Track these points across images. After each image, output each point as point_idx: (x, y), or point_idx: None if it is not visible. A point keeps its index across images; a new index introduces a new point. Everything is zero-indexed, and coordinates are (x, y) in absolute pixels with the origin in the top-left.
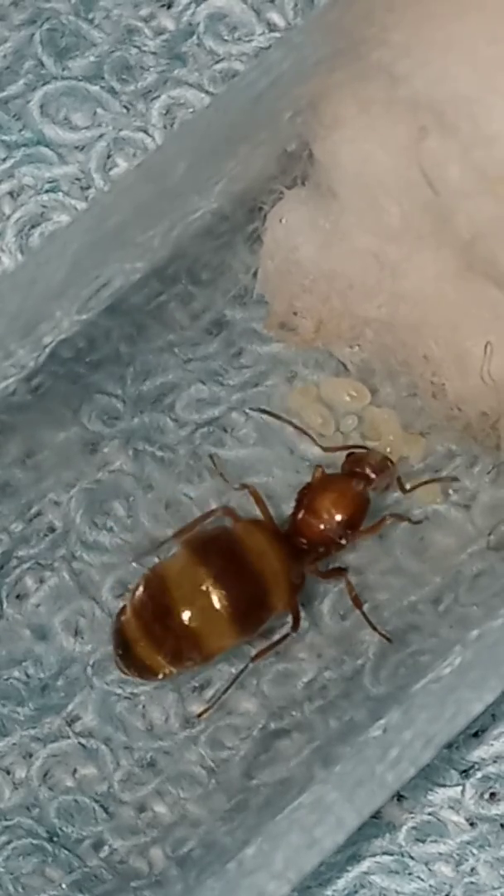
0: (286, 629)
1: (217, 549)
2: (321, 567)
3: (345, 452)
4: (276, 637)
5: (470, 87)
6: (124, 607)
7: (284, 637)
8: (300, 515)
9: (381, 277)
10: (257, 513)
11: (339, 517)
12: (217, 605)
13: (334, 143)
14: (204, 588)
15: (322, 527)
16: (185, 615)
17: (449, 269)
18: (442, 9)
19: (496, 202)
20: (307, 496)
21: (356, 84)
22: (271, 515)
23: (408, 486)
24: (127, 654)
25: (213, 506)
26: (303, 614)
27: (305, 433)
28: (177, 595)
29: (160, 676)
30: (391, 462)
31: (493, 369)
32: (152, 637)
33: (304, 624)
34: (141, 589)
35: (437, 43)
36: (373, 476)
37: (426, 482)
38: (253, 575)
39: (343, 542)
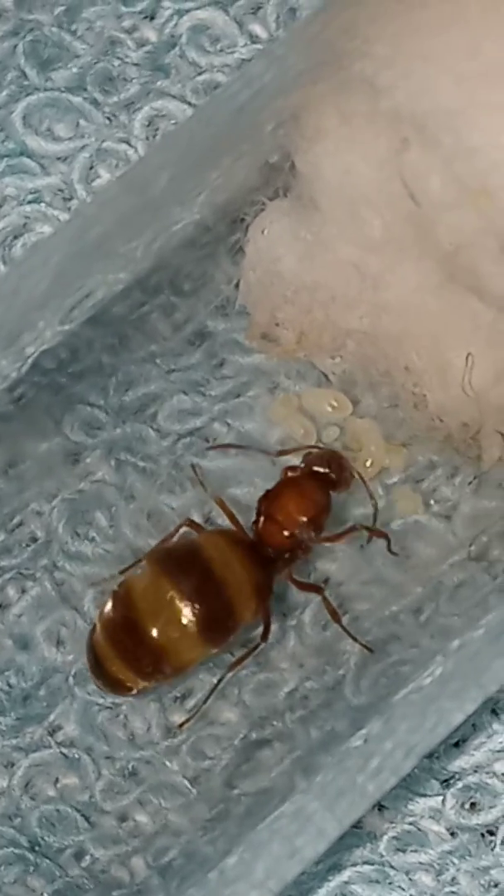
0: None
1: (181, 561)
2: (296, 574)
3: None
4: (249, 647)
5: (451, 99)
6: (95, 625)
7: (255, 647)
8: (261, 523)
9: (362, 288)
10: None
11: (298, 519)
12: (184, 618)
13: (316, 154)
14: (170, 602)
15: (284, 532)
16: (153, 630)
17: (430, 280)
18: (424, 21)
19: (477, 214)
20: (265, 503)
21: (338, 96)
22: (242, 526)
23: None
24: (99, 671)
25: (195, 516)
26: (284, 625)
27: (255, 449)
28: (144, 610)
29: (134, 691)
30: (342, 456)
31: (475, 380)
32: (122, 653)
33: (285, 634)
34: (109, 605)
35: (420, 55)
36: (327, 472)
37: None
38: (219, 586)
39: (308, 544)
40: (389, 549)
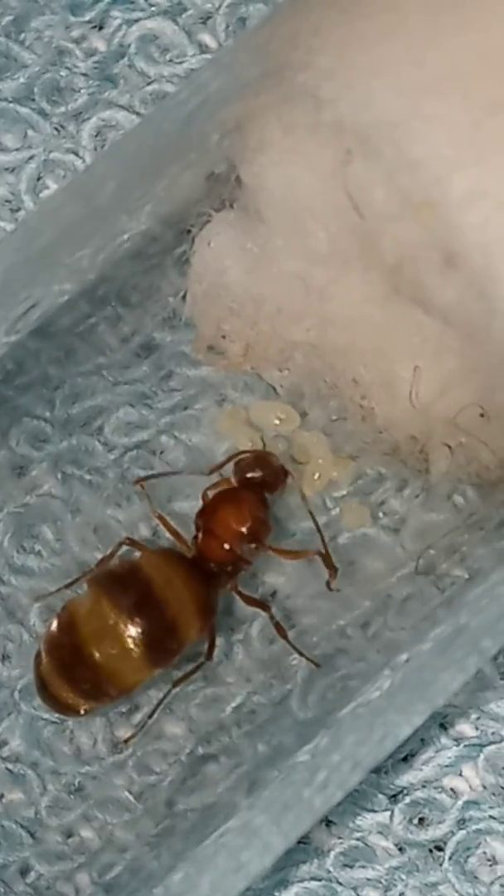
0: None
1: (123, 583)
2: (243, 587)
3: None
4: (195, 664)
5: (393, 111)
6: (39, 649)
7: (199, 665)
8: (199, 538)
9: (308, 301)
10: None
11: (236, 531)
12: (127, 640)
13: (260, 166)
14: (113, 624)
15: (223, 545)
16: (97, 653)
17: (376, 292)
18: (367, 32)
19: (420, 226)
20: (201, 518)
21: (281, 107)
22: (185, 541)
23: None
24: (45, 694)
25: (142, 529)
26: (231, 638)
27: (185, 472)
28: (87, 633)
29: (82, 712)
30: (270, 454)
31: (422, 393)
32: (66, 676)
33: (232, 648)
34: (53, 628)
35: (362, 66)
36: (260, 475)
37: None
38: (161, 607)
39: (250, 555)
40: (331, 588)
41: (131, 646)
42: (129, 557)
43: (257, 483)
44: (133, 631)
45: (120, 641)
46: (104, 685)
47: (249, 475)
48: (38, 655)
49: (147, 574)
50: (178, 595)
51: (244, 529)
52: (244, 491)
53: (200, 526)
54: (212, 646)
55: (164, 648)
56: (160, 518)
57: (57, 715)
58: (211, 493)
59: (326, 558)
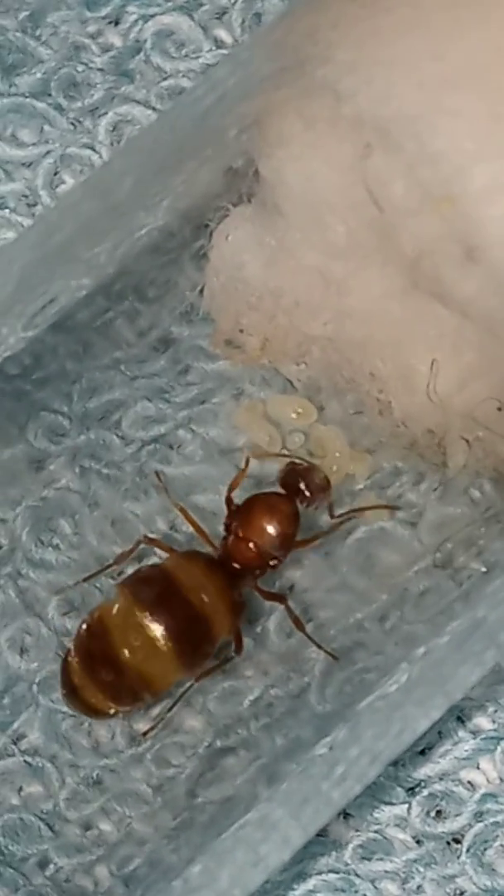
0: (230, 649)
1: (153, 588)
2: (261, 581)
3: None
4: (221, 658)
5: (414, 105)
6: (69, 650)
7: (228, 660)
8: (230, 540)
9: (326, 295)
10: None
11: (268, 537)
12: (160, 645)
13: (279, 160)
14: (145, 630)
15: (253, 550)
16: (130, 659)
17: (394, 286)
18: (387, 26)
19: (440, 220)
20: (234, 519)
21: (301, 101)
22: (206, 534)
23: (337, 512)
24: (73, 696)
25: (160, 524)
26: (249, 632)
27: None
28: (118, 639)
29: (111, 713)
30: (320, 470)
31: (439, 386)
32: (98, 682)
33: (250, 641)
34: (83, 633)
35: (382, 61)
36: (308, 493)
37: (359, 509)
38: (192, 610)
39: (277, 560)
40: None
41: (165, 651)
42: (150, 557)
43: (298, 494)
44: (166, 636)
45: (153, 647)
46: (138, 690)
47: (299, 485)
48: (66, 662)
49: (177, 578)
50: (207, 597)
51: (276, 537)
52: (284, 500)
53: (233, 528)
54: (239, 641)
55: (197, 651)
56: (182, 511)
57: (82, 716)
58: (234, 493)
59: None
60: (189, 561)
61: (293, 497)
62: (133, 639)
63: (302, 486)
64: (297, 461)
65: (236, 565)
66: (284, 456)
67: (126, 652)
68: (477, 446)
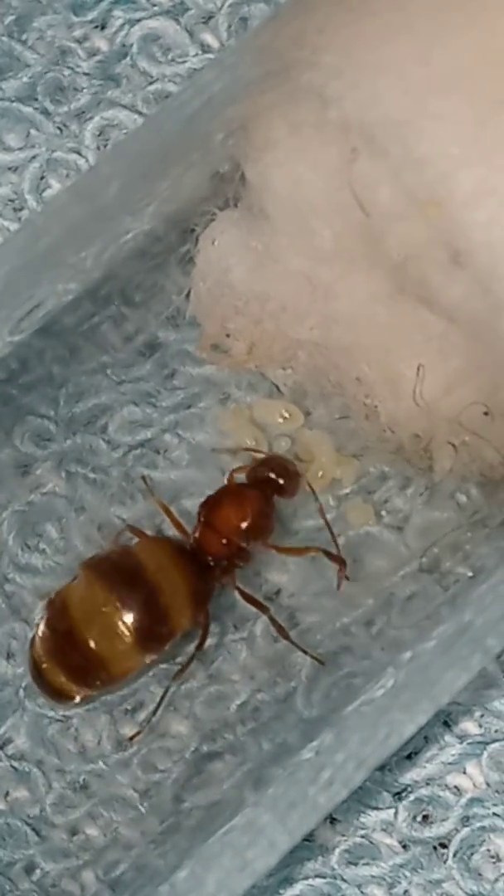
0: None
1: (116, 569)
2: (246, 585)
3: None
4: (189, 653)
5: (399, 109)
6: (34, 635)
7: (192, 657)
8: (199, 530)
9: (313, 299)
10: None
11: (236, 527)
12: (119, 626)
13: (266, 164)
14: (105, 610)
15: (221, 539)
16: (89, 638)
17: (381, 291)
18: (373, 31)
19: (426, 225)
20: (204, 509)
21: (287, 106)
22: (188, 532)
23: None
24: (39, 681)
25: (146, 528)
26: (238, 635)
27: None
28: (79, 618)
29: (76, 700)
30: (291, 462)
31: (426, 391)
32: (59, 662)
33: (237, 646)
34: (46, 614)
35: (368, 65)
36: (273, 478)
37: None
38: (153, 593)
39: (247, 552)
40: (346, 577)
41: (122, 630)
42: (126, 544)
43: (271, 485)
44: (124, 615)
45: (111, 626)
46: (97, 671)
47: (265, 475)
48: (32, 641)
49: (140, 559)
50: (170, 582)
51: (244, 527)
52: (252, 490)
53: (201, 517)
54: (204, 636)
55: (155, 634)
56: (163, 507)
57: (53, 704)
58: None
59: (335, 555)
60: (155, 545)
61: (264, 489)
62: (91, 616)
63: (272, 475)
64: (264, 453)
65: (206, 555)
66: (256, 451)
67: (84, 629)
68: (463, 451)
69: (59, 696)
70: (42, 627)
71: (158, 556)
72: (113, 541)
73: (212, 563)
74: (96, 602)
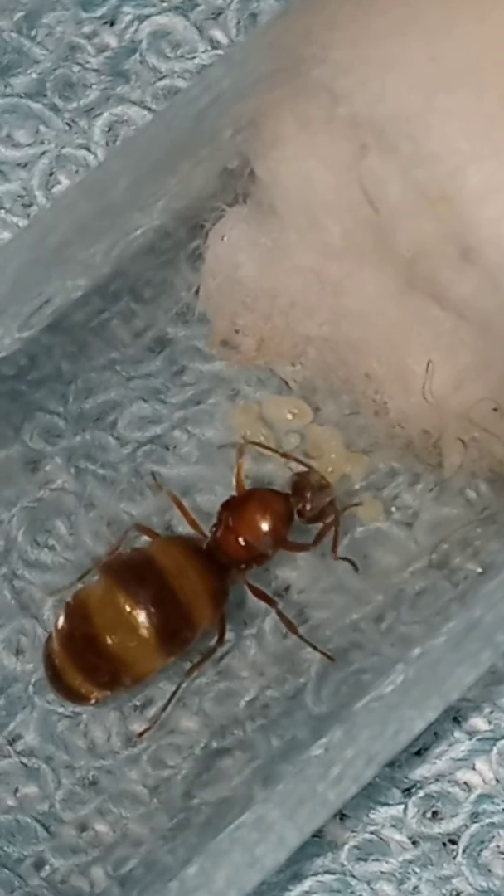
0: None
1: (135, 572)
2: (255, 581)
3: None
4: (206, 650)
5: (408, 105)
6: (51, 635)
7: (211, 652)
8: (220, 530)
9: (322, 295)
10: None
11: (259, 532)
12: (141, 629)
13: (275, 160)
14: (126, 613)
15: (241, 542)
16: (110, 642)
17: (390, 287)
18: (382, 27)
19: (436, 221)
20: (227, 510)
21: (296, 102)
22: (200, 527)
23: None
24: (57, 682)
25: (155, 525)
26: (248, 632)
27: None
28: (100, 622)
29: (93, 701)
30: (327, 486)
31: (435, 387)
32: (80, 666)
33: (246, 642)
34: (64, 617)
35: (377, 61)
36: (308, 507)
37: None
38: (174, 595)
39: (265, 556)
40: (354, 567)
41: (145, 634)
42: (137, 544)
43: (301, 503)
44: (147, 619)
45: (134, 630)
46: (118, 674)
47: (302, 495)
48: (48, 645)
49: (159, 562)
50: (191, 583)
51: (266, 534)
52: (280, 499)
53: (224, 518)
54: (222, 632)
55: (178, 636)
56: (175, 500)
57: (68, 705)
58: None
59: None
60: (173, 546)
61: (292, 501)
62: (113, 621)
63: (308, 496)
64: (306, 471)
65: (223, 556)
66: (276, 451)
67: (106, 634)
68: (473, 447)
69: (78, 699)
70: (59, 630)
71: (176, 556)
72: (120, 539)
73: (228, 564)
74: (117, 605)
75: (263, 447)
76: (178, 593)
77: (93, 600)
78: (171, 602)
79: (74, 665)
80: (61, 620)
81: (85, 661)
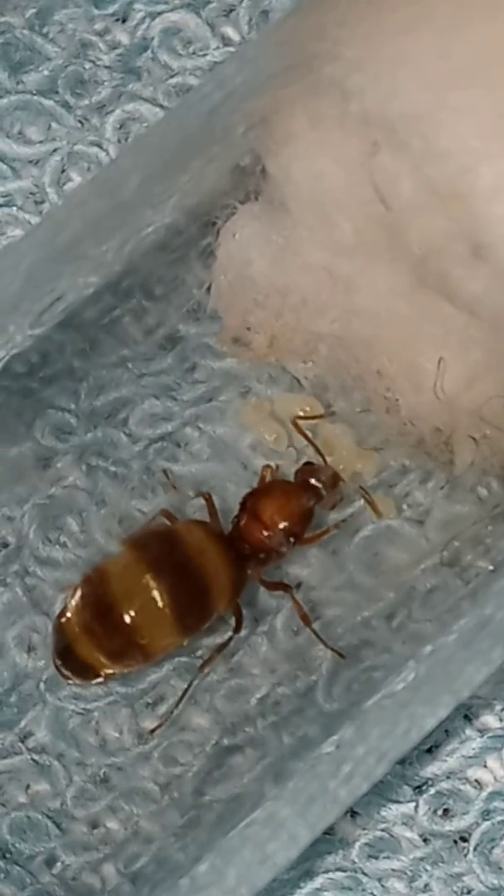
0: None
1: (158, 546)
2: (266, 576)
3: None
4: (224, 639)
5: (420, 102)
6: (64, 608)
7: (229, 640)
8: (243, 519)
9: (333, 293)
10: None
11: (281, 525)
12: (159, 602)
13: (286, 157)
14: (145, 585)
15: (263, 531)
16: (127, 612)
17: (401, 284)
18: (394, 24)
19: (448, 218)
20: (251, 499)
21: (308, 99)
22: (220, 523)
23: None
24: (67, 655)
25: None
26: (259, 629)
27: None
28: (118, 592)
29: (101, 677)
30: (340, 478)
31: (447, 385)
32: (93, 635)
33: (257, 639)
34: (82, 587)
35: (389, 58)
36: (323, 491)
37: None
38: (195, 572)
39: (283, 550)
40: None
41: (163, 607)
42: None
43: (317, 492)
44: (166, 593)
45: (152, 602)
46: (130, 647)
47: (316, 483)
48: (59, 617)
49: (183, 540)
50: (211, 564)
51: (288, 524)
52: (303, 490)
53: (248, 506)
54: (239, 620)
55: (195, 614)
56: (207, 499)
57: (74, 681)
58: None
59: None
60: (198, 528)
61: (311, 492)
62: (132, 590)
63: (319, 484)
64: (314, 463)
65: (244, 545)
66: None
67: (124, 605)
68: (484, 444)
69: (87, 671)
70: (74, 600)
71: (199, 536)
72: (149, 522)
73: (247, 554)
74: (138, 578)
75: (312, 418)
76: (200, 571)
77: (113, 571)
78: (192, 579)
79: (86, 635)
80: (78, 590)
81: (98, 632)
